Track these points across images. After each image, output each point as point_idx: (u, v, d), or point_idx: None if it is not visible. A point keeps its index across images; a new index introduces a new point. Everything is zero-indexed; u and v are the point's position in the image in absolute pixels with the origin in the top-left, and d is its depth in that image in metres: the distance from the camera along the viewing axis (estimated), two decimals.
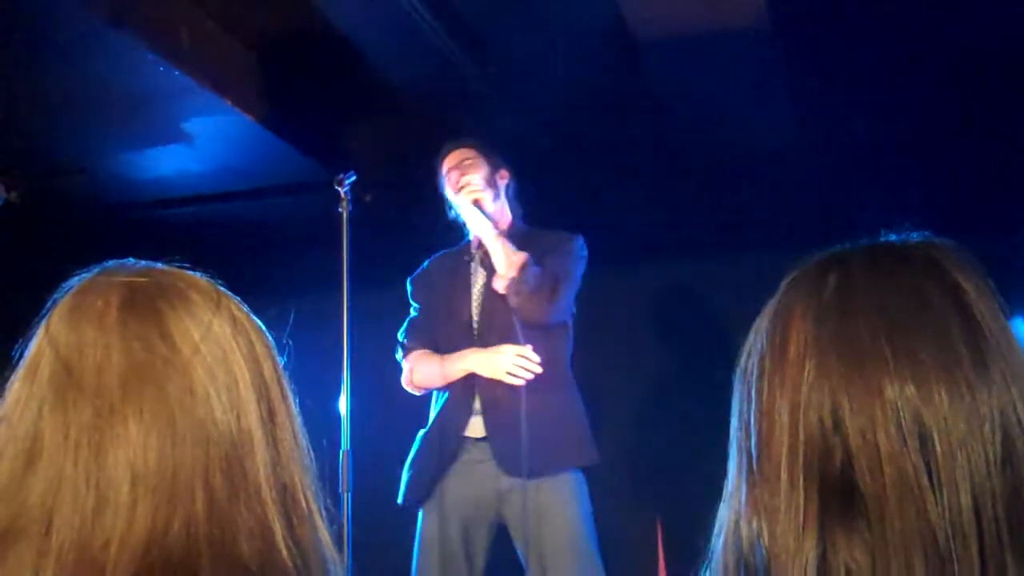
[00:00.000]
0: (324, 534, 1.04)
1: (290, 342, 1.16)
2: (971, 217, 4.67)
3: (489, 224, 3.55)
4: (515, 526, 3.50)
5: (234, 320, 1.05)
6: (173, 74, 3.94)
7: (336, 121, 4.62)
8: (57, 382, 0.97)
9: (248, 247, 5.22)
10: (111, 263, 1.08)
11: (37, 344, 1.02)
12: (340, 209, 3.55)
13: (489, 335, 3.59)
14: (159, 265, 1.09)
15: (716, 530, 1.00)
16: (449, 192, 3.71)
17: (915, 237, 1.03)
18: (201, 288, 1.06)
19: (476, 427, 3.54)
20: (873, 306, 0.95)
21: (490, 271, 3.62)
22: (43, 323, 1.03)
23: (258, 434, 1.00)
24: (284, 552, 0.97)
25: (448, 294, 3.73)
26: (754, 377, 0.98)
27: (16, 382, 1.01)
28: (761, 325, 1.01)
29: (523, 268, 3.47)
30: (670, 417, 5.21)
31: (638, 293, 5.50)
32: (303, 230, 4.88)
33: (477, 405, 3.54)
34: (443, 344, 3.66)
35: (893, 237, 1.04)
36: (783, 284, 1.02)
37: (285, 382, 1.08)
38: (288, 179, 4.89)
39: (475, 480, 3.52)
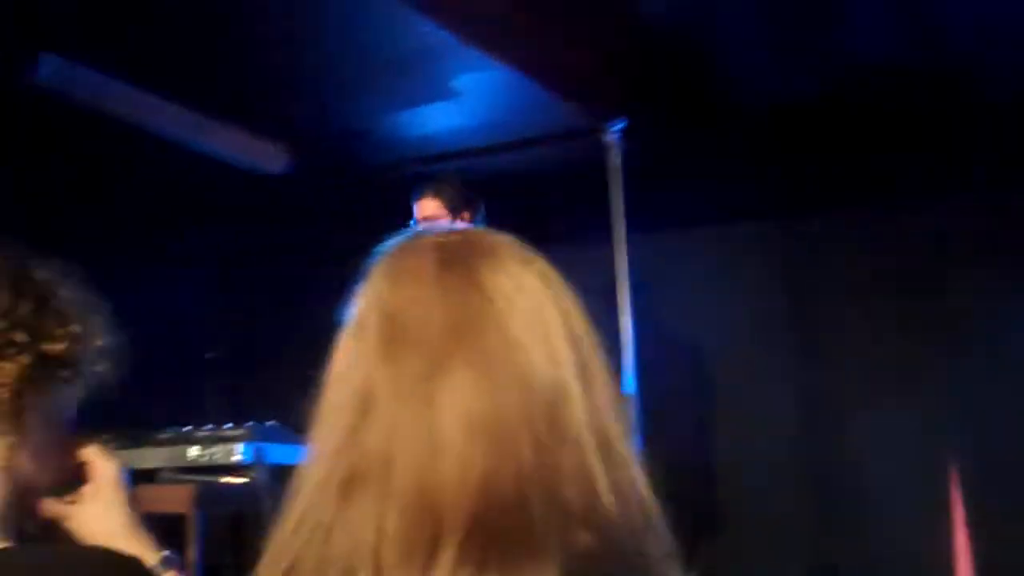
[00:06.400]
0: (642, 480, 1.04)
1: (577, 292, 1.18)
2: None
3: None
4: None
5: (543, 274, 1.07)
6: (439, 33, 4.03)
7: (601, 68, 4.60)
8: (385, 337, 1.02)
9: (518, 198, 5.30)
10: (424, 226, 1.13)
11: (361, 304, 1.07)
12: (610, 156, 3.55)
13: None
14: (463, 226, 1.14)
15: None
16: None
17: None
18: (509, 244, 1.09)
19: None
20: None
21: None
22: (365, 284, 1.09)
23: (574, 383, 1.01)
24: (606, 497, 0.98)
25: None
26: None
27: (345, 340, 1.07)
28: None
29: None
30: None
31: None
32: (572, 179, 4.91)
33: None
34: None
35: None
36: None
37: (593, 334, 1.09)
38: (556, 128, 4.93)
39: None
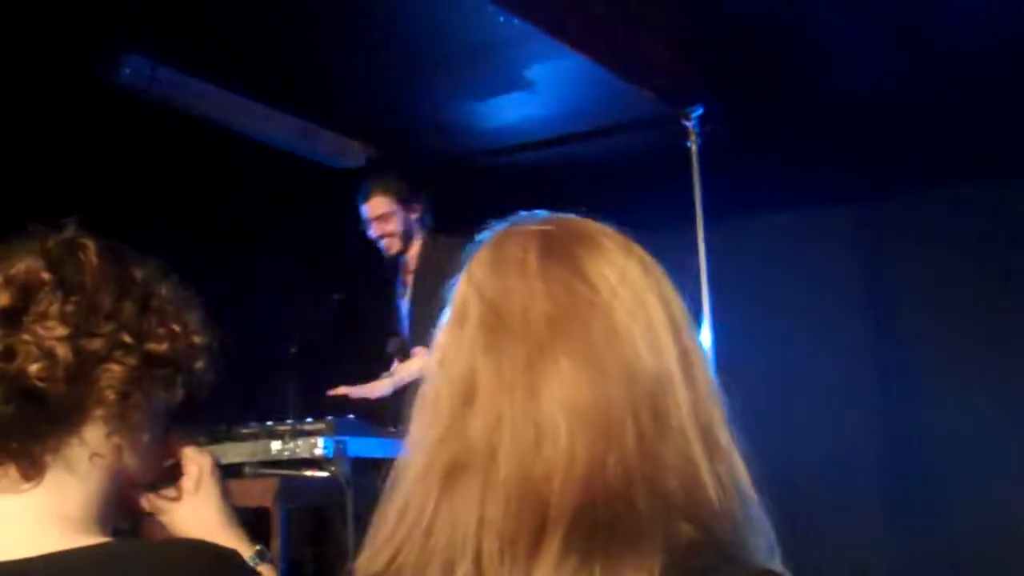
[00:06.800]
0: (743, 470, 1.03)
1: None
2: None
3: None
4: None
5: (644, 263, 1.06)
6: (512, 22, 4.01)
7: (677, 55, 4.56)
8: (488, 326, 1.02)
9: (595, 187, 5.28)
10: (521, 215, 1.12)
11: (462, 293, 1.07)
12: (689, 143, 3.52)
13: None
14: (562, 215, 1.12)
15: None
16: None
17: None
18: (609, 234, 1.08)
19: None
20: None
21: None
22: (463, 274, 1.08)
23: (677, 373, 1.00)
24: (710, 489, 0.97)
25: None
26: None
27: (446, 329, 1.07)
28: None
29: None
30: None
31: None
32: (649, 166, 4.87)
33: None
34: None
35: None
36: None
37: (693, 323, 1.08)
38: (632, 117, 4.89)
39: None
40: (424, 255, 4.34)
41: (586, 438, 0.95)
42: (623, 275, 1.03)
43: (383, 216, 4.25)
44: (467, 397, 1.00)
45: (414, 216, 4.32)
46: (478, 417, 0.99)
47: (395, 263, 4.44)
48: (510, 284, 1.03)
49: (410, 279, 4.41)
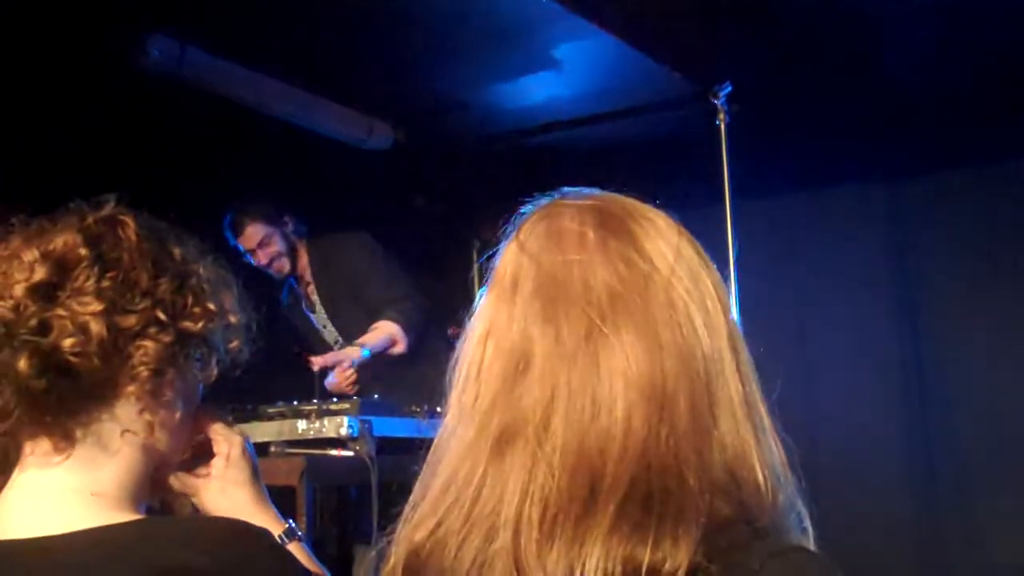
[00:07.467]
0: (781, 451, 1.03)
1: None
2: None
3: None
4: None
5: (693, 243, 1.07)
6: (540, 1, 4.00)
7: (705, 33, 4.53)
8: (546, 296, 1.02)
9: (622, 165, 5.27)
10: (566, 190, 1.13)
11: (512, 263, 1.07)
12: (717, 121, 3.50)
13: None
14: (607, 192, 1.13)
15: None
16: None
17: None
18: (658, 213, 1.09)
19: None
20: None
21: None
22: (512, 244, 1.09)
23: (727, 353, 1.02)
24: (757, 469, 0.98)
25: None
26: None
27: (493, 300, 1.07)
28: None
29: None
30: None
31: None
32: (677, 145, 4.85)
33: None
34: None
35: None
36: None
37: (732, 304, 1.09)
38: (660, 95, 4.86)
39: None
40: (315, 262, 4.37)
41: (642, 410, 0.96)
42: (679, 253, 1.04)
43: (263, 242, 4.24)
44: (521, 366, 1.01)
45: (290, 229, 4.32)
46: (533, 386, 0.99)
47: (285, 284, 4.47)
48: (569, 256, 1.04)
49: (311, 289, 4.42)
